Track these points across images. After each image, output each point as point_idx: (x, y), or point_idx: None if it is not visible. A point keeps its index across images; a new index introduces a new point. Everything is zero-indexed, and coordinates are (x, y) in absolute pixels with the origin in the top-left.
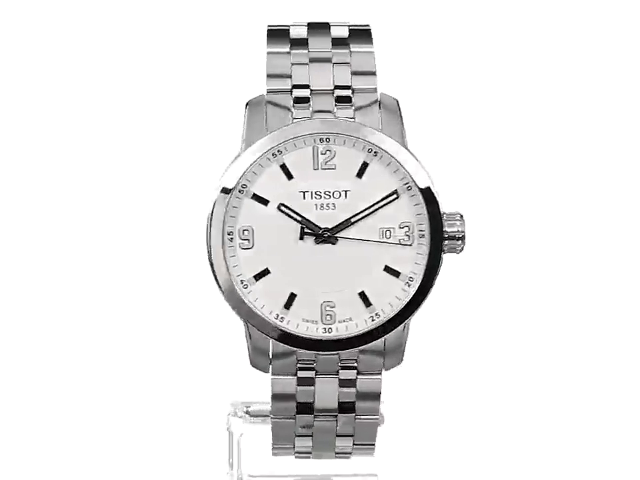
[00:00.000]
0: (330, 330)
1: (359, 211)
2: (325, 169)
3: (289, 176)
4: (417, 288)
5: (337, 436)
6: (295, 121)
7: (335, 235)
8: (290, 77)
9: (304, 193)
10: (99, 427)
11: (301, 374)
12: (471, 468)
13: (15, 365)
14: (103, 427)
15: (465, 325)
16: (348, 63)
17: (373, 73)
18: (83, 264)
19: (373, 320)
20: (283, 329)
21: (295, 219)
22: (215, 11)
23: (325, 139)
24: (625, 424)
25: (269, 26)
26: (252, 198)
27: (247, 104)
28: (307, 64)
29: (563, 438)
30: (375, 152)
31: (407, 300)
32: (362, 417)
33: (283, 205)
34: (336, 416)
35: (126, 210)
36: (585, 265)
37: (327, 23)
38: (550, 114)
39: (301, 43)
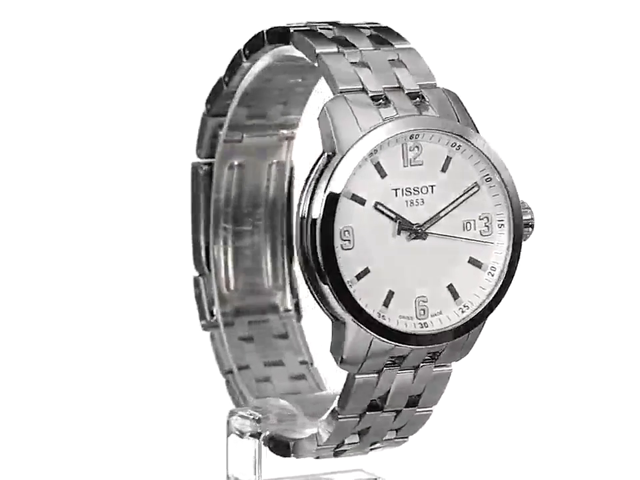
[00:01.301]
0: (426, 325)
1: (445, 206)
2: (414, 165)
3: (383, 174)
4: (499, 277)
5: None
6: (386, 119)
7: (426, 231)
8: (357, 76)
9: (396, 190)
10: (96, 434)
11: (387, 370)
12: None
13: None
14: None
15: None
16: (401, 61)
17: (428, 69)
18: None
19: (462, 312)
20: (387, 325)
21: (390, 217)
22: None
23: (414, 136)
24: None
25: (294, 28)
26: (351, 198)
27: (324, 105)
28: (365, 63)
29: (571, 443)
30: (458, 146)
31: (492, 290)
32: (420, 409)
33: (378, 203)
34: (400, 411)
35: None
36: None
37: (335, 22)
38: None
39: (344, 43)
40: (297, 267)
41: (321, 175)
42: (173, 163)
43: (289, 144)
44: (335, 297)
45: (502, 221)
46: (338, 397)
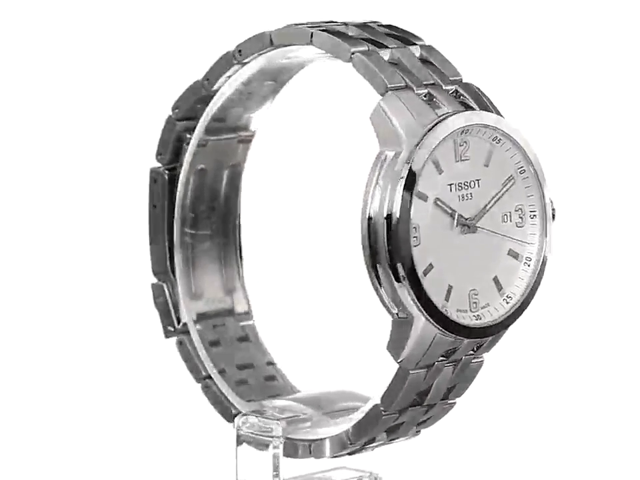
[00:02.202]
0: (479, 317)
1: (490, 199)
2: (463, 160)
3: (440, 170)
4: (535, 266)
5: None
6: (442, 116)
7: (476, 225)
8: (399, 74)
9: (450, 185)
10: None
11: (437, 364)
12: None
13: None
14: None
15: None
16: (427, 59)
17: (453, 65)
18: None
19: (507, 303)
20: (451, 319)
21: (448, 212)
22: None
23: (465, 131)
24: None
25: (317, 28)
26: (416, 195)
27: (378, 103)
28: (398, 61)
29: (571, 443)
30: (498, 139)
31: (530, 280)
32: (450, 402)
33: (438, 199)
34: (433, 405)
35: None
36: None
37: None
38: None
39: (373, 42)
40: (247, 270)
41: (385, 173)
42: (119, 170)
43: (246, 146)
44: (410, 294)
45: (534, 211)
46: (382, 394)
